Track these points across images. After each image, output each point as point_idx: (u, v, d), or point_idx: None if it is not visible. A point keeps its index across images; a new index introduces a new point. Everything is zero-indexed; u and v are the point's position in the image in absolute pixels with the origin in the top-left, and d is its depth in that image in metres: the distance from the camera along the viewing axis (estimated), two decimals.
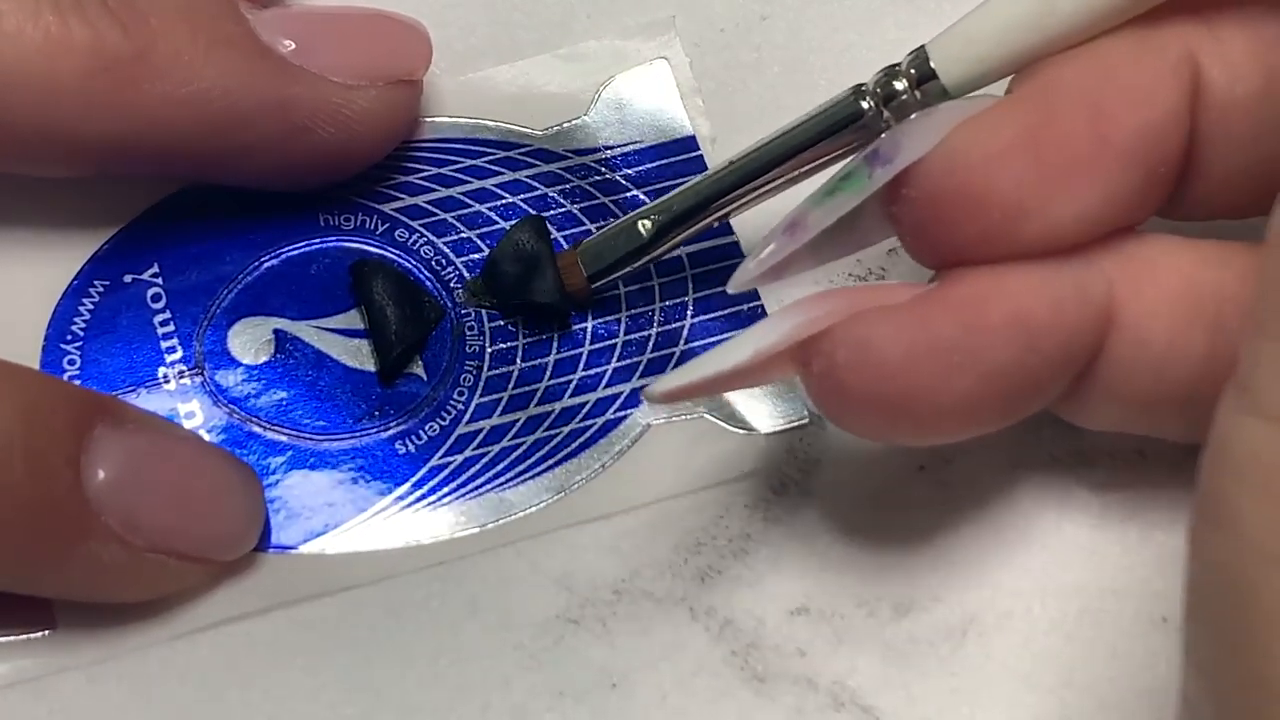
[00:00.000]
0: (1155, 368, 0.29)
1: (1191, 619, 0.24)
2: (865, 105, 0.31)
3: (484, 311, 0.34)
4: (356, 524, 0.33)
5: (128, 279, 0.34)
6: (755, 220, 0.34)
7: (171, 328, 0.34)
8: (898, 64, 0.31)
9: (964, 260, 0.29)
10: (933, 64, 0.30)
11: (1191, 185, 0.30)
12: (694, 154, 0.36)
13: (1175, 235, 0.30)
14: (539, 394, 0.34)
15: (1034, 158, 0.28)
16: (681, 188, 0.33)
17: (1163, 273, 0.29)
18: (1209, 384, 0.28)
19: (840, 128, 0.31)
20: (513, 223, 0.35)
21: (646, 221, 0.33)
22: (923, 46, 0.30)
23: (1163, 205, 0.30)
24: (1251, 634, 0.22)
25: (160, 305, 0.34)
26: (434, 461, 0.33)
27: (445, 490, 0.33)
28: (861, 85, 0.31)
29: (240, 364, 0.34)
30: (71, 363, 0.34)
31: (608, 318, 0.34)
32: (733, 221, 0.35)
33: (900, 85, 0.31)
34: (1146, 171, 0.29)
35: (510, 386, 0.34)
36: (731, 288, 0.30)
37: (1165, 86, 0.29)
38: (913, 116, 0.30)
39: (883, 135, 0.30)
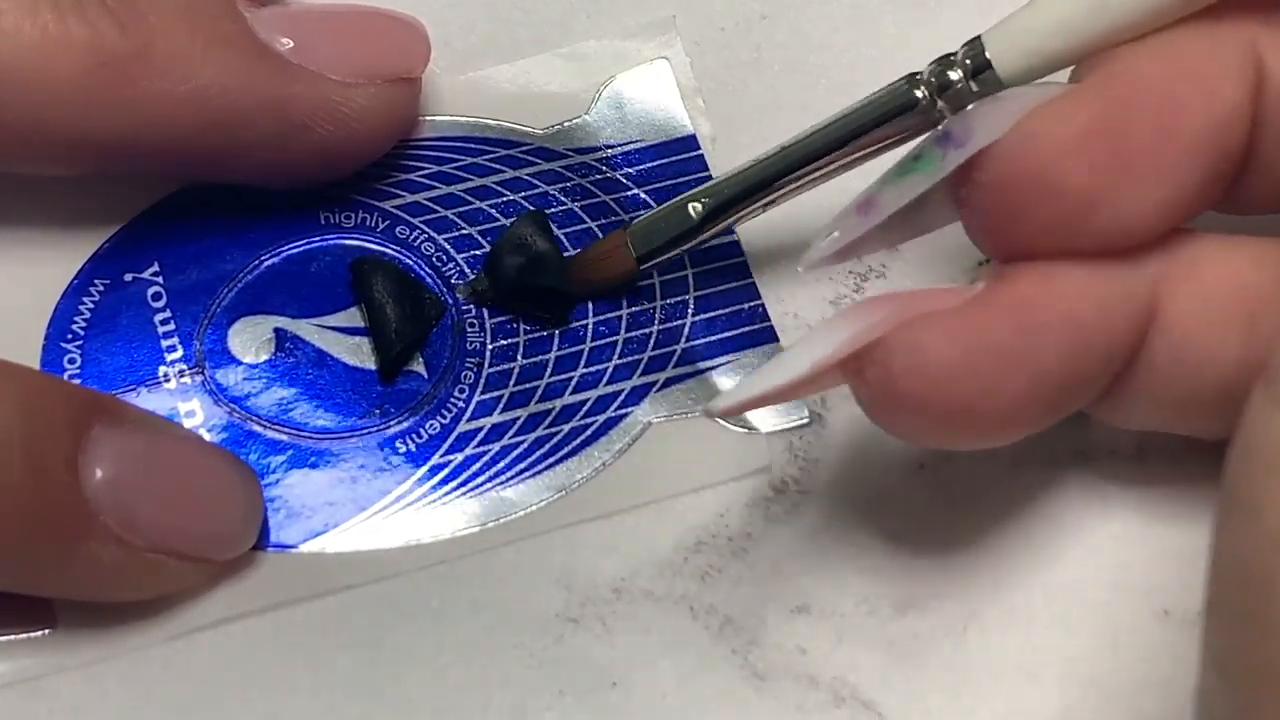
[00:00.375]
0: (1193, 367, 0.29)
1: (1211, 611, 0.24)
2: (919, 94, 0.31)
3: (485, 308, 0.34)
4: (357, 523, 0.33)
5: (128, 278, 0.34)
6: (758, 221, 0.34)
7: (172, 326, 0.34)
8: (953, 53, 0.31)
9: (1027, 249, 0.29)
10: (988, 54, 0.30)
11: (1250, 179, 0.30)
12: (694, 153, 0.36)
13: (1218, 234, 0.30)
14: (540, 391, 0.34)
15: (1106, 147, 0.28)
16: (731, 171, 0.33)
17: (1207, 273, 0.29)
18: (1244, 384, 0.28)
19: (893, 116, 0.31)
20: (514, 218, 0.35)
21: (697, 204, 0.33)
22: (978, 36, 0.30)
23: (1220, 200, 0.30)
24: (1271, 627, 0.22)
25: (161, 304, 0.34)
26: (434, 460, 0.33)
27: (446, 489, 0.33)
28: (916, 74, 0.31)
29: (240, 362, 0.34)
30: (72, 361, 0.34)
31: (608, 315, 0.34)
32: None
33: (955, 75, 0.31)
34: (1213, 165, 0.29)
35: (511, 384, 0.34)
36: (803, 266, 0.30)
37: (1232, 79, 0.29)
38: (983, 101, 0.30)
39: (954, 117, 0.30)
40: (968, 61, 0.30)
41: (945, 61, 0.31)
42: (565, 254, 0.35)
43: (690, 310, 0.34)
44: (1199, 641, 0.24)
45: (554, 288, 0.34)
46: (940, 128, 0.30)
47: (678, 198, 0.33)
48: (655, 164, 0.36)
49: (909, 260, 0.35)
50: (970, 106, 0.30)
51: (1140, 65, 0.29)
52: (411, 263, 0.35)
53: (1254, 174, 0.30)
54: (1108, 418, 0.31)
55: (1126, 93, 0.29)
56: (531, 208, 0.35)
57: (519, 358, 0.34)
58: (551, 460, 0.33)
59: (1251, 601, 0.23)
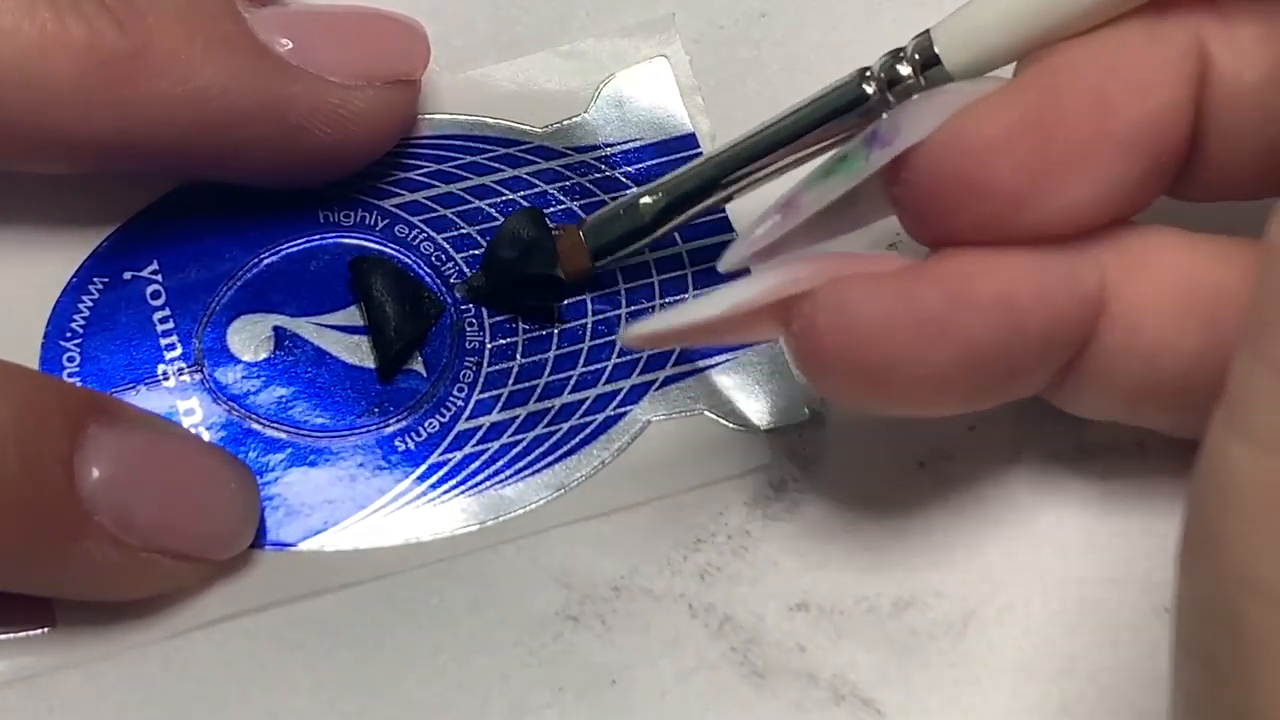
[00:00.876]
0: (1146, 360, 0.29)
1: (1178, 645, 0.24)
2: (869, 89, 0.31)
3: (482, 305, 0.34)
4: (356, 521, 0.33)
5: (127, 276, 0.34)
6: (758, 213, 0.34)
7: (171, 325, 0.34)
8: (902, 48, 0.31)
9: (961, 242, 0.29)
10: (937, 49, 0.30)
11: (1198, 170, 0.30)
12: (694, 151, 0.36)
13: (1174, 228, 0.30)
14: (539, 390, 0.34)
15: (1033, 146, 0.28)
16: (684, 168, 0.33)
17: (1158, 266, 0.29)
18: (1202, 379, 0.28)
19: (844, 111, 0.31)
20: (511, 213, 0.35)
21: (648, 200, 0.33)
22: (927, 31, 0.30)
23: (1166, 190, 0.30)
24: (1238, 665, 0.22)
25: (160, 302, 0.34)
26: (433, 458, 0.33)
27: (445, 487, 0.33)
28: (866, 69, 0.31)
29: (239, 361, 0.34)
30: (71, 360, 0.34)
31: (608, 313, 0.34)
32: (733, 219, 0.35)
33: (905, 69, 0.31)
34: (1148, 161, 0.29)
35: (510, 382, 0.34)
36: (722, 266, 0.30)
37: (1170, 75, 0.29)
38: (915, 98, 0.30)
39: (882, 117, 0.30)
40: (917, 56, 0.30)
41: (895, 55, 0.31)
42: None
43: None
44: (1169, 675, 0.24)
45: (544, 274, 0.34)
46: (870, 127, 0.30)
47: (628, 194, 0.34)
48: (654, 162, 0.36)
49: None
50: (901, 104, 0.30)
51: (1073, 61, 0.29)
52: (410, 261, 0.35)
53: (1202, 165, 0.30)
54: (1068, 406, 0.31)
55: (1056, 89, 0.29)
56: (531, 207, 0.35)
57: (518, 356, 0.34)
58: (550, 458, 0.33)
59: (1218, 645, 0.22)
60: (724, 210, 0.35)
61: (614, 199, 0.35)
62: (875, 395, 0.29)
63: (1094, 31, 0.29)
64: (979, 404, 0.30)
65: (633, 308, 0.34)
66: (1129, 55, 0.29)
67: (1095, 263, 0.29)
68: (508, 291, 0.34)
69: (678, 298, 0.34)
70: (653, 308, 0.34)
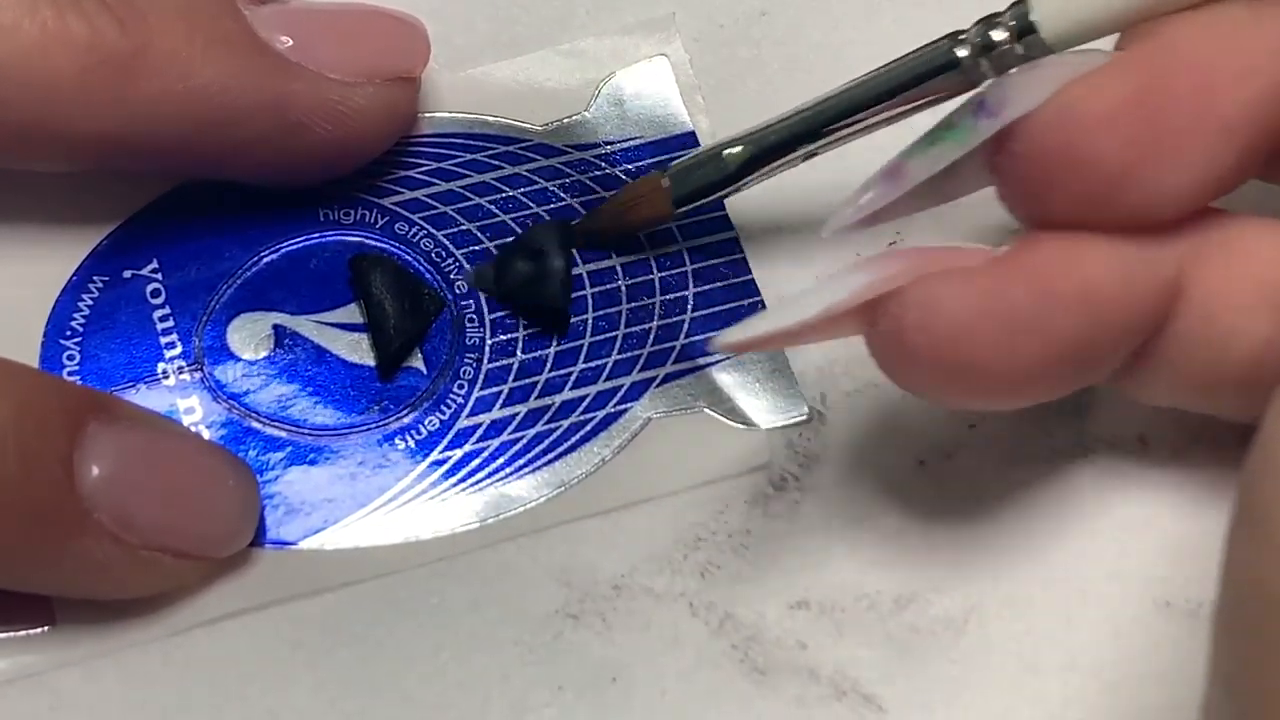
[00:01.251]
0: (1218, 346, 0.29)
1: (1220, 623, 0.24)
2: (962, 53, 0.31)
3: (485, 302, 0.34)
4: (356, 519, 0.33)
5: (127, 275, 0.34)
6: (758, 212, 0.34)
7: (171, 323, 0.34)
8: (999, 13, 0.30)
9: (1059, 219, 0.29)
10: (1033, 17, 0.30)
11: None
12: (694, 150, 0.36)
13: (1254, 215, 0.30)
14: (539, 387, 0.34)
15: (1141, 124, 0.28)
16: (772, 120, 0.32)
17: (1237, 253, 0.29)
18: (1272, 366, 0.28)
19: (935, 74, 0.31)
20: (540, 223, 0.35)
21: (734, 150, 0.33)
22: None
23: (1262, 173, 0.30)
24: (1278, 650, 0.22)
25: (159, 301, 0.34)
26: (434, 456, 0.33)
27: (445, 485, 0.33)
28: (959, 33, 0.31)
29: (240, 359, 0.34)
30: (71, 358, 0.34)
31: (608, 310, 0.34)
32: (732, 217, 0.35)
33: (999, 36, 0.30)
34: (1250, 142, 0.28)
35: (511, 379, 0.34)
36: (826, 232, 0.30)
37: (1275, 54, 0.28)
38: (1020, 68, 0.29)
39: (989, 84, 0.30)
40: (1013, 23, 0.30)
41: (989, 22, 0.30)
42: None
43: (689, 306, 0.34)
44: (1207, 653, 0.24)
45: (551, 308, 0.34)
46: (975, 95, 0.29)
47: (715, 142, 0.33)
48: (654, 160, 0.36)
49: (920, 233, 0.35)
50: (1007, 74, 0.29)
51: (1180, 38, 0.29)
52: (410, 259, 0.35)
53: None
54: (1131, 392, 0.31)
55: (1164, 67, 0.28)
56: (531, 204, 0.35)
57: (518, 353, 0.34)
58: (551, 456, 0.33)
59: (1261, 622, 0.22)
60: (723, 207, 0.35)
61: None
62: (961, 392, 0.29)
63: (1198, 9, 0.29)
64: (1056, 394, 0.30)
65: (633, 304, 0.34)
66: (1235, 35, 0.28)
67: (1174, 249, 0.29)
68: (511, 298, 0.34)
69: (679, 294, 0.34)
70: (651, 305, 0.34)
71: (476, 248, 0.35)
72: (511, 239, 0.35)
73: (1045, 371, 0.29)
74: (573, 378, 0.34)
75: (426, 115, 0.36)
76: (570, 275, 0.34)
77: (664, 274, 0.35)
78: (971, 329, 0.28)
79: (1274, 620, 0.22)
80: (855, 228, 0.30)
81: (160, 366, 0.34)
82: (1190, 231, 0.29)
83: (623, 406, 0.34)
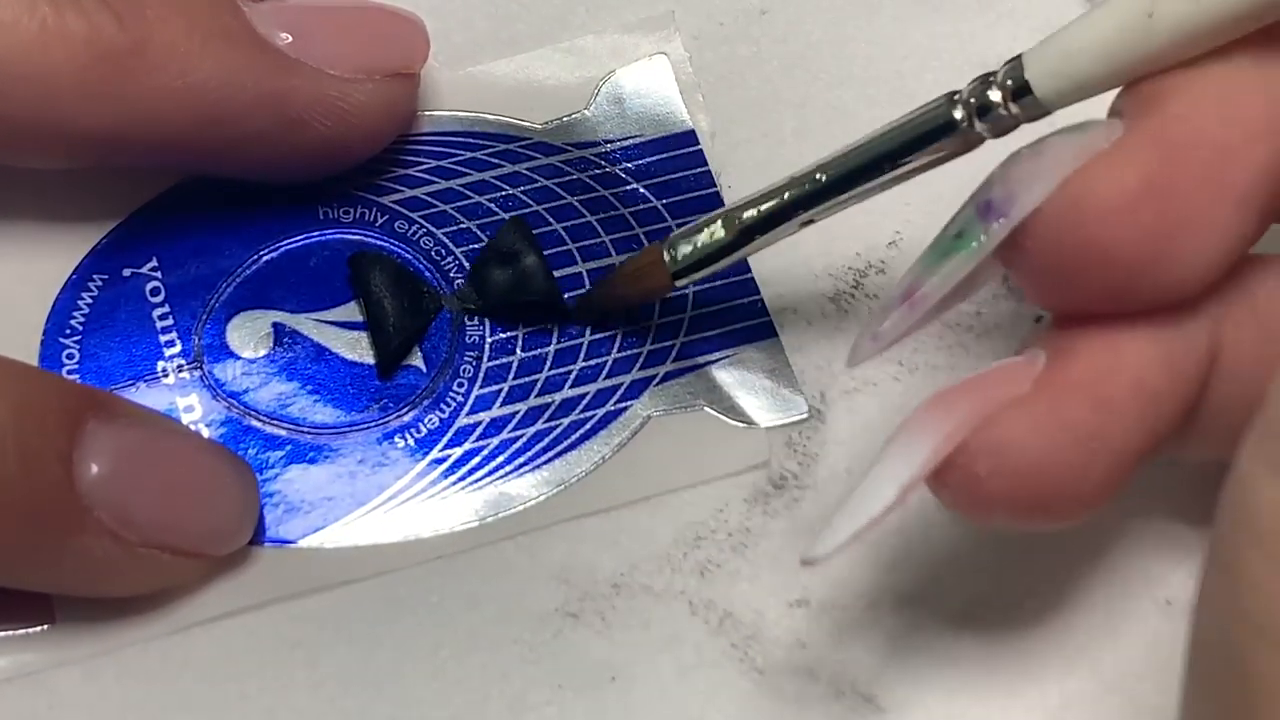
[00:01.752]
0: (1250, 405, 0.28)
1: (1190, 677, 0.23)
2: (958, 115, 0.30)
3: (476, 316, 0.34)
4: (355, 518, 0.33)
5: (126, 273, 0.34)
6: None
7: (170, 322, 0.34)
8: (992, 73, 0.29)
9: (1082, 308, 0.28)
10: (1027, 75, 0.29)
11: None
12: (693, 148, 0.36)
13: (1271, 256, 0.29)
14: (539, 385, 0.34)
15: (1156, 210, 0.27)
16: (771, 188, 0.32)
17: (1261, 304, 0.29)
18: None
19: (933, 138, 0.30)
20: (500, 228, 0.34)
21: (733, 221, 0.32)
22: (1019, 57, 0.29)
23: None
24: (1248, 710, 0.22)
25: (159, 299, 0.34)
26: (433, 454, 0.33)
27: (445, 483, 0.33)
28: (954, 93, 0.30)
29: (239, 357, 0.34)
30: (70, 357, 0.34)
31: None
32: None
33: (995, 96, 0.29)
34: (1270, 203, 0.28)
35: (510, 377, 0.34)
36: (851, 363, 0.29)
37: None
38: (1022, 157, 0.28)
39: (990, 180, 0.29)
40: (1008, 83, 0.29)
41: (985, 81, 0.29)
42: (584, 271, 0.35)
43: (689, 304, 0.34)
44: (1177, 703, 0.24)
45: (543, 303, 0.34)
46: (978, 194, 0.29)
47: (713, 213, 0.32)
48: (654, 159, 0.36)
49: (909, 254, 0.35)
50: (1010, 161, 0.28)
51: (1186, 108, 0.27)
52: (410, 257, 0.35)
53: None
54: (1170, 454, 0.30)
55: (1172, 145, 0.27)
56: (530, 203, 0.35)
57: (518, 351, 0.34)
58: (551, 454, 0.33)
59: (1228, 683, 0.22)
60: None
61: (614, 195, 0.35)
62: (1039, 520, 0.28)
63: (1200, 65, 0.28)
64: (1124, 488, 0.29)
65: None
66: (1242, 94, 0.27)
67: (1205, 316, 0.28)
68: (503, 310, 0.34)
69: (679, 292, 0.34)
70: (652, 303, 0.34)
71: (476, 246, 0.35)
72: (479, 248, 0.35)
73: (1118, 476, 0.28)
74: (572, 376, 0.34)
75: (426, 113, 0.36)
76: (548, 263, 0.34)
77: None
78: (1042, 462, 0.28)
79: (1237, 685, 0.22)
80: (878, 354, 0.29)
81: (160, 365, 0.34)
82: (1216, 295, 0.28)
83: (622, 405, 0.34)
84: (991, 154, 0.29)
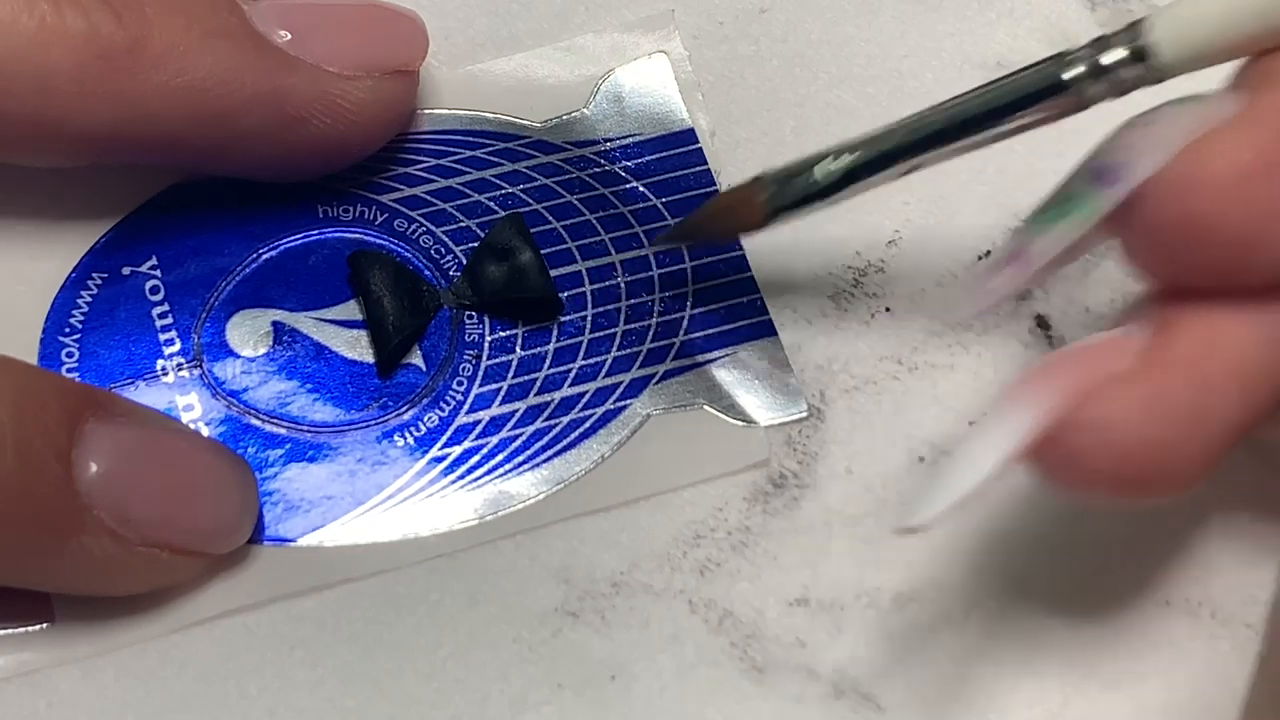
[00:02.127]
0: None
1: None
2: (1069, 75, 0.29)
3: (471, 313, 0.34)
4: (355, 516, 0.33)
5: (126, 271, 0.34)
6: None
7: (170, 320, 0.34)
8: (1110, 34, 0.29)
9: (1189, 282, 0.28)
10: (1154, 39, 0.29)
11: None
12: (693, 147, 0.36)
13: None
14: (538, 383, 0.34)
15: (1268, 188, 0.27)
16: (874, 133, 0.31)
17: None
18: None
19: (1042, 96, 0.30)
20: (495, 223, 0.34)
21: (838, 162, 0.31)
22: (1141, 20, 0.29)
23: None
24: None
25: (158, 298, 0.34)
26: (433, 453, 0.33)
27: (444, 482, 0.33)
28: (1064, 53, 0.30)
29: (238, 356, 0.34)
30: (70, 355, 0.34)
31: (607, 307, 0.34)
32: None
33: (1110, 59, 0.29)
34: None
35: (510, 376, 0.34)
36: (955, 318, 0.29)
37: None
38: (1134, 125, 0.28)
39: (1104, 145, 0.28)
40: (1126, 46, 0.29)
41: (1101, 43, 0.29)
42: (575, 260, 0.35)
43: (689, 303, 0.34)
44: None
45: (538, 299, 0.34)
46: (1089, 159, 0.29)
47: (814, 153, 0.32)
48: (654, 158, 0.36)
49: (910, 254, 0.35)
50: (1123, 129, 0.28)
51: None
52: (409, 255, 0.35)
53: None
54: (1259, 433, 0.29)
55: None
56: (530, 201, 0.35)
57: (517, 349, 0.34)
58: (550, 453, 0.33)
59: None
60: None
61: (613, 194, 0.35)
62: (1138, 495, 0.28)
63: None
64: (1218, 467, 0.29)
65: (632, 300, 0.34)
66: None
67: None
68: (495, 302, 0.34)
69: (679, 290, 0.34)
70: (651, 301, 0.34)
71: (474, 244, 0.35)
72: (474, 245, 0.35)
73: (1217, 454, 0.28)
74: (572, 374, 0.34)
75: (425, 112, 0.36)
76: (543, 260, 0.34)
77: (662, 270, 0.35)
78: (1143, 440, 0.27)
79: None
80: (982, 312, 0.29)
81: (159, 363, 0.34)
82: None
83: (622, 403, 0.34)
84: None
